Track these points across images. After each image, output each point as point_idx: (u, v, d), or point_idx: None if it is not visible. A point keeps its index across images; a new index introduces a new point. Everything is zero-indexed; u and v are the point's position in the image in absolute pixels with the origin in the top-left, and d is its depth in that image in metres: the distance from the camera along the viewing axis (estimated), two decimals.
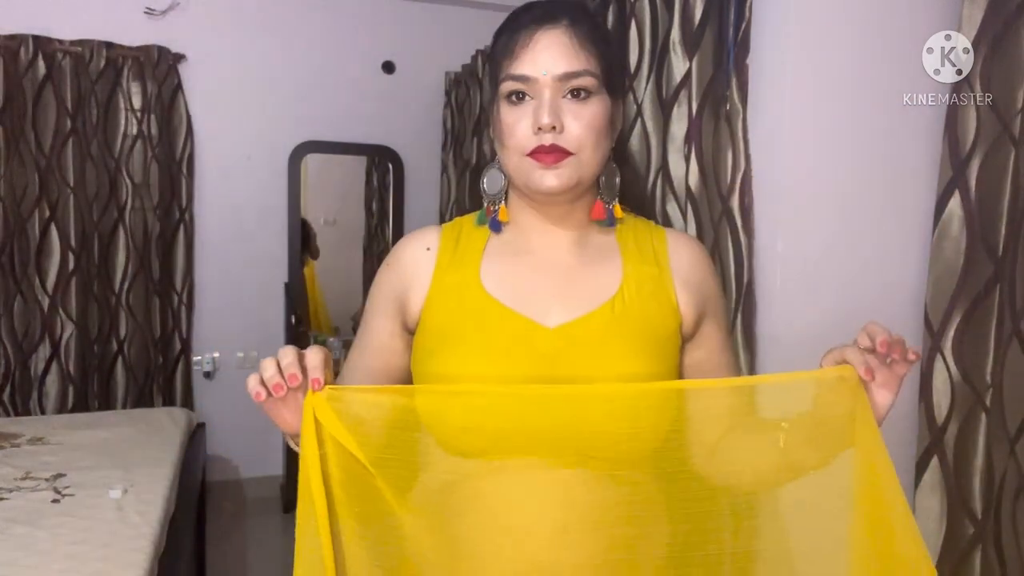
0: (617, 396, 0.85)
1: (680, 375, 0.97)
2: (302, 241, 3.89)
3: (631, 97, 1.97)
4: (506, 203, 0.97)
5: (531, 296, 0.92)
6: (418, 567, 0.87)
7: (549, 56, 0.86)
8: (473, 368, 0.89)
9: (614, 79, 0.92)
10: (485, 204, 0.99)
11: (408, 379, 0.97)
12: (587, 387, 0.85)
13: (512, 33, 0.89)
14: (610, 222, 0.96)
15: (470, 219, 1.01)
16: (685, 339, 0.96)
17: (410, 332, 0.98)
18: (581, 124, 0.87)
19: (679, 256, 0.97)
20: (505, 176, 0.95)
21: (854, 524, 0.87)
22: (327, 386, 0.80)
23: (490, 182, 0.97)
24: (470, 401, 0.84)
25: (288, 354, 0.80)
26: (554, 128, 0.86)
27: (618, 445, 0.84)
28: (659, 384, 0.87)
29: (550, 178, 0.88)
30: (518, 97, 0.88)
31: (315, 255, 4.01)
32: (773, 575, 0.90)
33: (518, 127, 0.88)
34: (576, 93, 0.88)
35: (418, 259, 0.97)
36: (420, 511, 0.87)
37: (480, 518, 0.86)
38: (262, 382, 0.79)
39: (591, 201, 0.96)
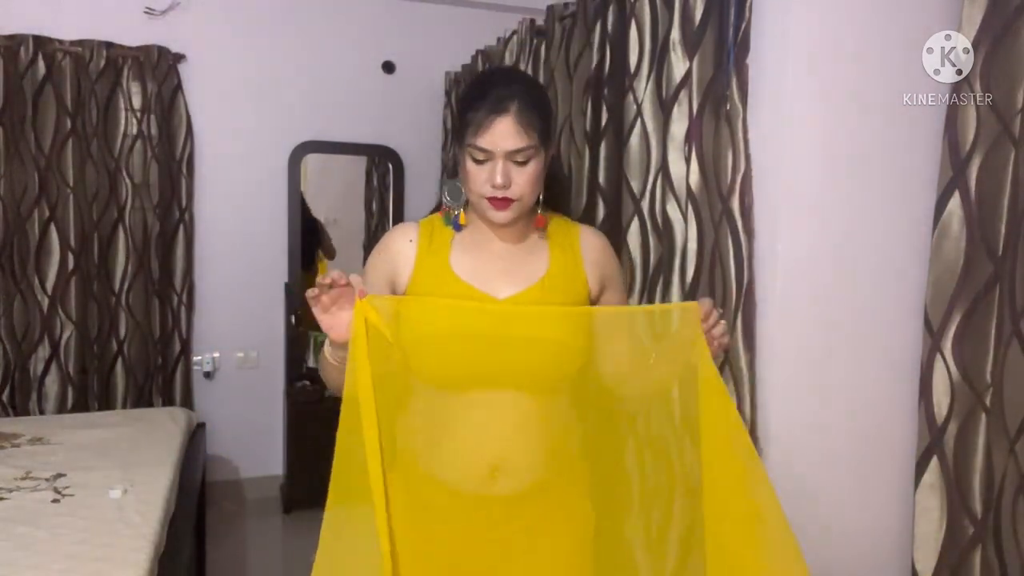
0: (546, 316, 1.25)
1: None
2: (316, 240, 3.90)
3: (631, 97, 1.97)
4: (464, 211, 1.33)
5: (486, 277, 1.29)
6: (418, 453, 1.28)
7: (501, 138, 1.22)
8: (436, 335, 1.22)
9: (549, 135, 1.28)
10: (446, 208, 1.33)
11: None
12: (524, 308, 1.26)
13: (476, 113, 1.23)
14: (544, 228, 1.35)
15: (438, 218, 1.36)
16: (592, 302, 1.35)
17: None
18: (523, 180, 1.24)
19: (587, 245, 1.36)
20: (463, 193, 1.30)
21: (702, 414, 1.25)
22: (368, 295, 1.16)
23: (452, 193, 1.32)
24: (446, 346, 1.22)
25: (333, 272, 1.14)
26: (504, 187, 1.23)
27: (545, 372, 1.25)
28: (574, 308, 1.28)
29: (500, 216, 1.26)
30: (478, 161, 1.24)
31: (331, 254, 4.01)
32: (657, 451, 1.35)
33: (479, 179, 1.24)
34: (519, 161, 1.24)
35: (403, 248, 1.33)
36: (418, 414, 1.28)
37: (455, 424, 1.26)
38: (317, 290, 1.13)
39: (527, 216, 1.32)
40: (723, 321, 1.26)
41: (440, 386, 1.27)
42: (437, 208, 1.39)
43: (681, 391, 1.30)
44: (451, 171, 1.42)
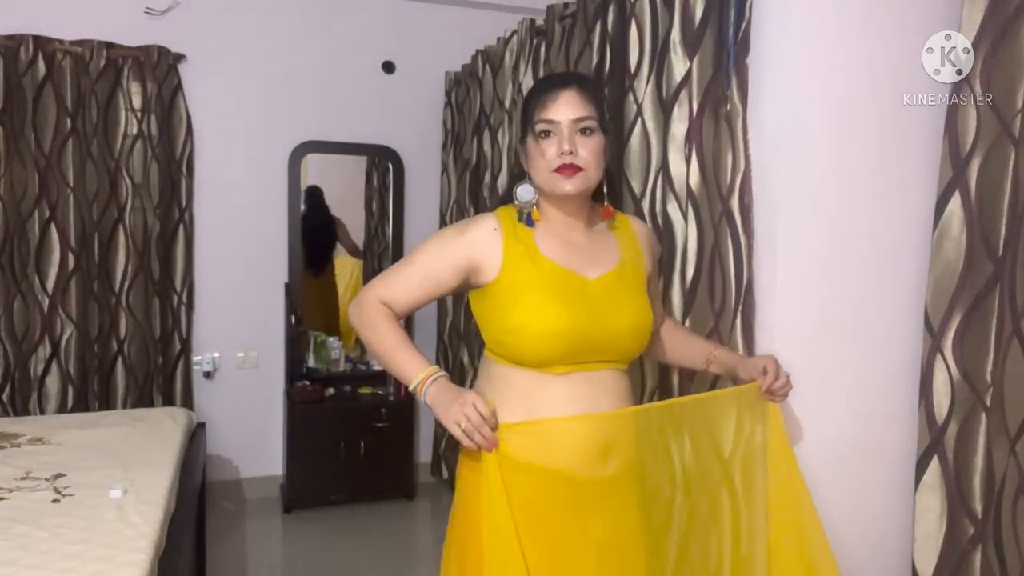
0: (631, 299, 1.42)
1: None
2: (331, 239, 3.92)
3: (631, 97, 1.97)
4: (537, 208, 1.43)
5: (573, 261, 1.40)
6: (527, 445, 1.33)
7: (567, 107, 1.34)
8: (551, 307, 1.34)
9: (605, 122, 1.41)
10: (519, 208, 1.42)
11: (424, 305, 1.46)
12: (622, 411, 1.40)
13: (540, 94, 1.38)
14: (612, 218, 1.49)
15: (513, 212, 1.44)
16: (647, 281, 1.50)
17: (466, 286, 1.43)
18: (587, 150, 1.36)
19: (641, 232, 1.53)
20: (535, 189, 1.41)
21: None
22: (498, 437, 1.27)
23: (523, 193, 1.42)
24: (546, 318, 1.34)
25: (476, 416, 1.25)
26: (571, 153, 1.33)
27: (631, 348, 1.43)
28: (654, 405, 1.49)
29: (569, 185, 1.35)
30: (546, 135, 1.36)
31: (355, 252, 4.01)
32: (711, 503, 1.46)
33: (548, 152, 1.35)
34: (584, 131, 1.35)
35: (489, 237, 1.40)
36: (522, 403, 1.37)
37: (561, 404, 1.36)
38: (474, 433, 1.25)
39: (590, 203, 1.46)
40: (784, 375, 1.43)
41: (542, 366, 1.35)
42: (500, 203, 1.49)
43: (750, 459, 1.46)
44: (516, 175, 1.50)
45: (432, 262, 1.42)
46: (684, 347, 1.60)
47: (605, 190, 1.45)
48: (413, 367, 1.36)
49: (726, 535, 1.45)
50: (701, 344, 1.59)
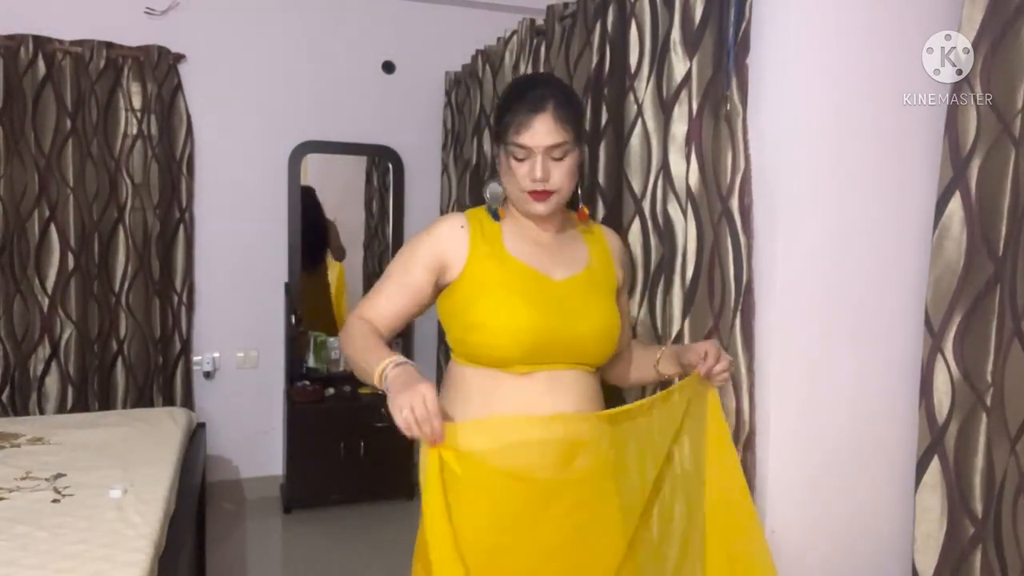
0: (596, 299, 1.43)
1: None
2: (325, 240, 3.92)
3: (632, 97, 1.97)
4: (505, 207, 1.44)
5: (540, 261, 1.40)
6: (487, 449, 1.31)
7: (542, 134, 1.32)
8: (514, 305, 1.34)
9: (581, 134, 1.39)
10: (489, 205, 1.44)
11: (411, 317, 1.45)
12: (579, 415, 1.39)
13: (516, 113, 1.33)
14: (586, 222, 1.51)
15: (483, 211, 1.45)
16: (617, 292, 1.51)
17: (437, 286, 1.41)
18: (560, 173, 1.35)
19: (613, 242, 1.55)
20: (503, 191, 1.41)
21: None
22: (444, 434, 1.21)
23: (492, 194, 1.42)
24: (509, 321, 1.34)
25: (423, 408, 1.17)
26: (544, 179, 1.33)
27: (598, 349, 1.41)
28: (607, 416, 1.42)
29: (540, 208, 1.36)
30: (519, 158, 1.34)
31: (340, 255, 4.01)
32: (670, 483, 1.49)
33: (520, 174, 1.34)
34: (557, 157, 1.34)
35: (455, 235, 1.40)
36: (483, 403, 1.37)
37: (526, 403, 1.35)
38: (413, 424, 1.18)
39: (563, 208, 1.45)
40: (725, 358, 1.39)
41: (503, 365, 1.34)
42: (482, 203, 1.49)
43: (691, 441, 1.46)
44: (491, 172, 1.54)
45: (405, 268, 1.42)
46: (639, 360, 1.58)
47: (580, 192, 1.46)
48: (378, 358, 1.28)
49: (676, 532, 1.46)
50: (652, 350, 1.56)
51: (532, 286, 1.36)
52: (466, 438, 1.27)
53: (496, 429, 1.31)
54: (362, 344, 1.35)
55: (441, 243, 1.40)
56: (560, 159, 1.33)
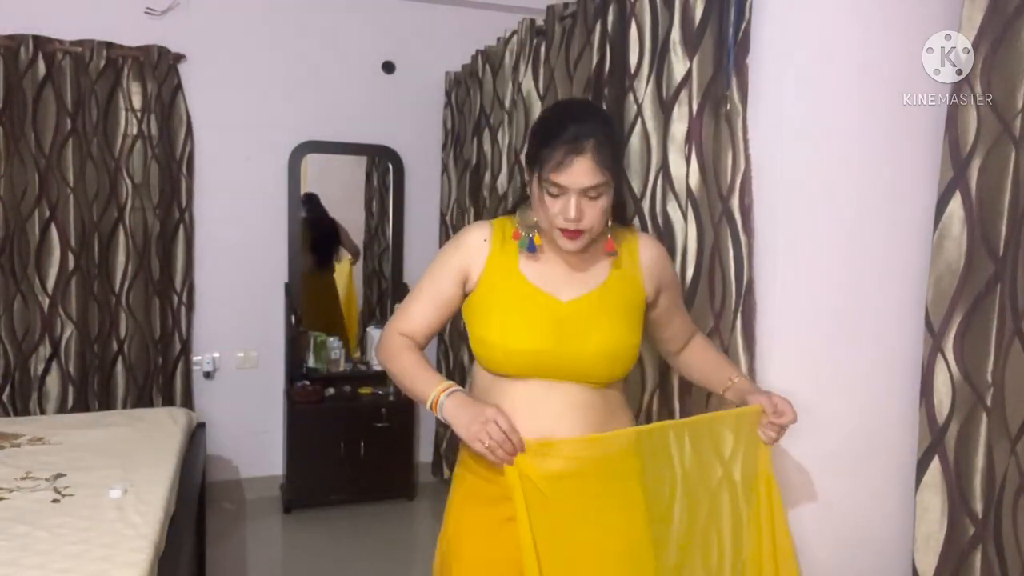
0: (602, 322, 1.39)
1: (653, 321, 1.51)
2: (334, 241, 3.93)
3: (631, 97, 1.97)
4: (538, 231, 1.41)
5: (550, 280, 1.40)
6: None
7: (578, 176, 1.29)
8: (511, 327, 1.37)
9: (618, 171, 1.36)
10: (519, 230, 1.42)
11: (445, 324, 1.49)
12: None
13: (554, 149, 1.29)
14: (613, 253, 1.43)
15: (511, 227, 1.44)
16: (650, 304, 1.47)
17: (464, 295, 1.45)
18: (594, 213, 1.32)
19: (646, 255, 1.46)
20: (537, 218, 1.38)
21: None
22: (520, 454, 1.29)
23: (523, 218, 1.43)
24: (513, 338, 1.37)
25: (498, 434, 1.27)
26: (577, 220, 1.30)
27: (598, 372, 1.39)
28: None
29: (571, 246, 1.35)
30: (552, 195, 1.32)
31: (356, 253, 4.02)
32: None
33: (552, 210, 1.32)
34: (593, 196, 1.31)
35: (479, 245, 1.43)
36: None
37: (509, 403, 1.36)
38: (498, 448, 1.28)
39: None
40: (790, 419, 1.40)
41: (503, 375, 1.39)
42: (509, 212, 1.49)
43: (742, 484, 1.44)
44: (520, 194, 1.49)
45: (437, 281, 1.45)
46: (706, 371, 1.56)
47: (609, 223, 1.40)
48: (427, 384, 1.38)
49: (726, 543, 1.45)
50: (723, 371, 1.53)
51: (536, 307, 1.37)
52: (531, 457, 1.32)
53: (555, 450, 1.35)
54: (407, 365, 1.42)
55: (465, 255, 1.43)
56: (595, 199, 1.31)
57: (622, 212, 1.50)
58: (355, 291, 4.06)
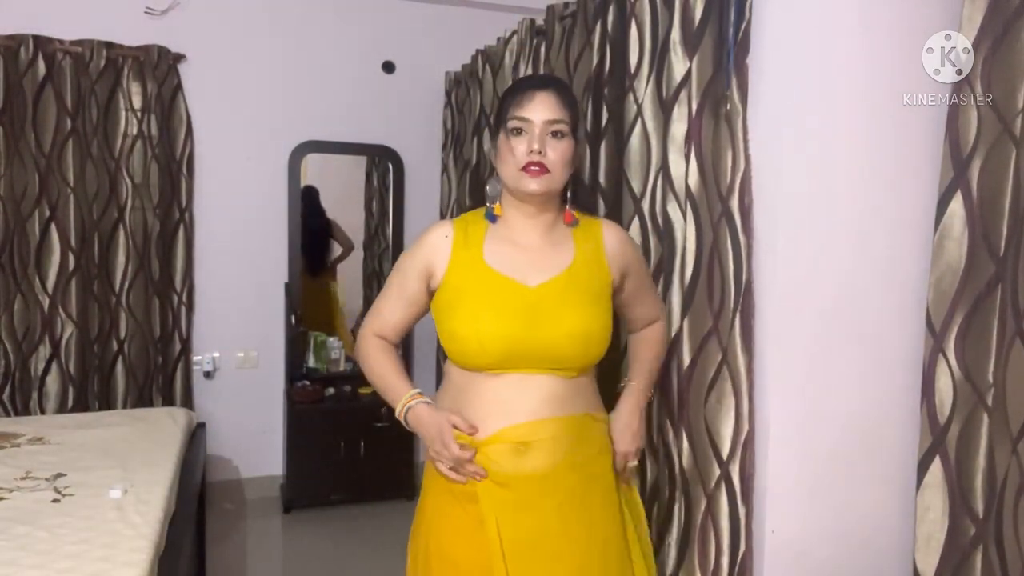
0: (571, 304, 1.42)
1: (620, 304, 1.55)
2: (328, 241, 3.92)
3: (631, 97, 1.97)
4: (500, 203, 1.46)
5: (517, 266, 1.41)
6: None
7: (541, 108, 1.36)
8: (482, 315, 1.37)
9: (577, 129, 1.43)
10: (488, 204, 1.47)
11: (415, 321, 1.54)
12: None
13: (518, 92, 1.40)
14: (574, 223, 1.49)
15: (475, 214, 1.49)
16: (616, 287, 1.51)
17: (430, 293, 1.47)
18: (556, 153, 1.38)
19: (609, 239, 1.51)
20: (500, 184, 1.45)
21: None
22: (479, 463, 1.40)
23: (491, 189, 1.47)
24: (483, 328, 1.38)
25: (447, 455, 1.39)
26: (540, 152, 1.35)
27: (574, 355, 1.40)
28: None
29: (534, 184, 1.37)
30: (518, 132, 1.37)
31: (348, 246, 4.02)
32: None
33: (517, 149, 1.37)
34: (555, 134, 1.37)
35: (439, 244, 1.45)
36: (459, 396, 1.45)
37: (488, 402, 1.40)
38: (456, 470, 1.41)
39: (554, 207, 1.47)
40: (630, 468, 1.53)
41: (477, 368, 1.40)
42: (480, 204, 1.53)
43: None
44: (490, 171, 1.52)
45: (402, 280, 1.50)
46: (631, 355, 1.64)
47: (569, 195, 1.47)
48: (395, 395, 1.47)
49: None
50: (633, 366, 1.61)
51: (503, 295, 1.39)
52: (493, 455, 1.39)
53: (509, 435, 1.39)
54: (378, 372, 1.51)
55: (428, 252, 1.46)
56: (558, 138, 1.37)
57: (585, 197, 1.57)
58: (346, 290, 4.04)
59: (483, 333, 1.36)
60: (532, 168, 1.36)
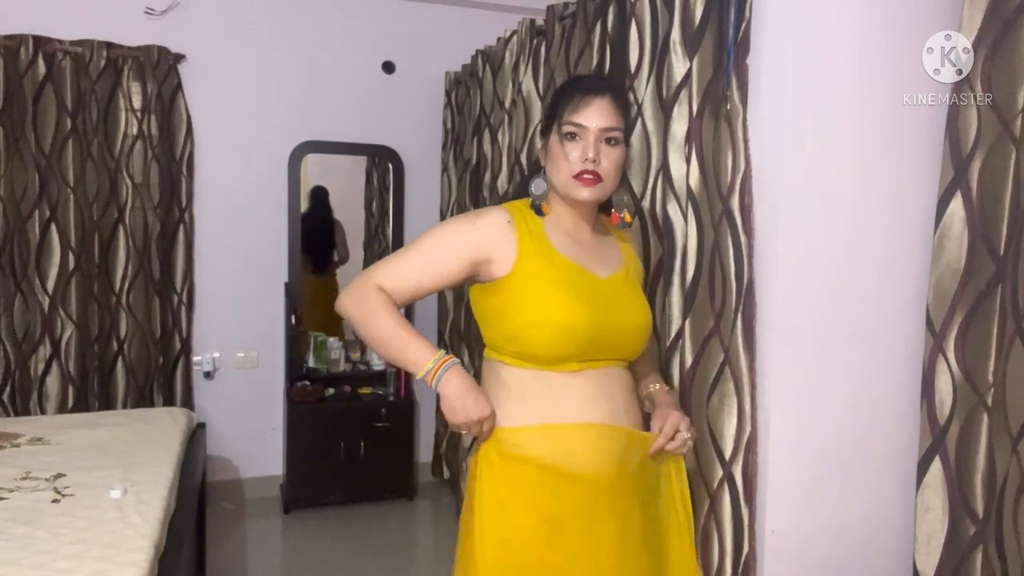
0: (636, 298, 1.48)
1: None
2: (333, 241, 3.93)
3: (631, 97, 1.97)
4: (547, 201, 1.43)
5: (583, 259, 1.41)
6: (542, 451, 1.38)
7: (597, 115, 1.34)
8: (565, 303, 1.33)
9: (629, 134, 1.44)
10: (533, 201, 1.43)
11: (425, 296, 1.44)
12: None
13: (575, 94, 1.36)
14: (623, 226, 1.51)
15: (523, 203, 1.44)
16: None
17: (472, 280, 1.41)
18: (610, 161, 1.36)
19: (634, 241, 1.60)
20: (548, 184, 1.42)
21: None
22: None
23: (536, 187, 1.43)
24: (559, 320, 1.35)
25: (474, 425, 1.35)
26: (595, 161, 1.34)
27: (637, 345, 1.44)
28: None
29: (586, 192, 1.36)
30: (572, 137, 1.35)
31: (344, 257, 4.02)
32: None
33: (572, 154, 1.35)
34: (609, 141, 1.36)
35: (502, 228, 1.37)
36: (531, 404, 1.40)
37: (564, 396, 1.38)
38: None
39: (597, 209, 1.47)
40: (683, 436, 1.44)
41: (556, 364, 1.36)
42: (514, 197, 1.50)
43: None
44: (533, 167, 1.50)
45: (440, 250, 1.37)
46: (638, 375, 1.57)
47: (615, 200, 1.49)
48: (420, 352, 1.34)
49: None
50: (647, 379, 1.57)
51: (582, 284, 1.37)
52: (524, 443, 1.36)
53: (551, 436, 1.36)
54: (392, 326, 1.34)
55: (488, 238, 1.36)
56: (612, 145, 1.35)
57: (607, 204, 1.52)
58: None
59: (564, 319, 1.31)
60: (586, 176, 1.34)
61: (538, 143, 1.47)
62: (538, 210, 1.41)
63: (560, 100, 1.39)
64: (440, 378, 1.32)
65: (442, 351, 1.36)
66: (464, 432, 1.36)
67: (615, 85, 1.41)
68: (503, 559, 1.33)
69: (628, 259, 1.50)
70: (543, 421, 1.35)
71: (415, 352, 1.34)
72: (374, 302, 1.34)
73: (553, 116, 1.40)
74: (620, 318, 1.39)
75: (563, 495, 1.35)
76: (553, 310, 1.32)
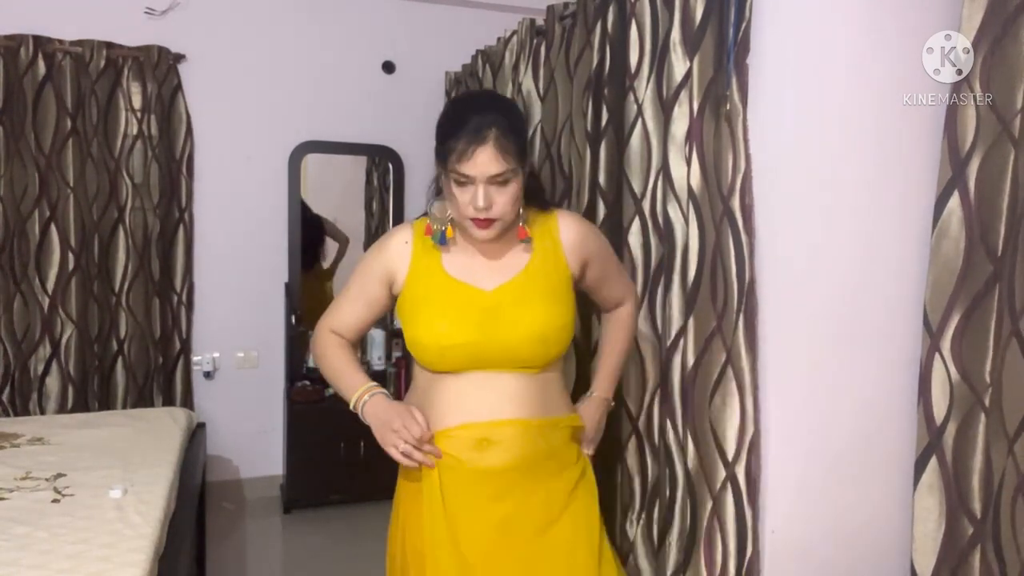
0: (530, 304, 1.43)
1: (586, 290, 1.57)
2: (319, 238, 3.91)
3: (632, 97, 1.97)
4: (451, 224, 1.43)
5: (474, 271, 1.43)
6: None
7: (482, 166, 1.31)
8: (440, 323, 1.39)
9: (523, 158, 1.37)
10: (431, 224, 1.44)
11: (374, 322, 1.57)
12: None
13: (457, 140, 1.31)
14: (527, 240, 1.45)
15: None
16: (578, 278, 1.50)
17: (393, 296, 1.50)
18: (503, 200, 1.34)
19: (566, 232, 1.48)
20: (448, 212, 1.41)
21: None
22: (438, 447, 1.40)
23: (439, 211, 1.44)
24: (444, 335, 1.40)
25: (408, 437, 1.36)
26: (486, 208, 1.32)
27: (533, 354, 1.40)
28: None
29: (483, 234, 1.37)
30: (461, 183, 1.34)
31: (344, 241, 4.01)
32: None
33: (462, 200, 1.34)
34: (500, 182, 1.33)
35: (400, 250, 1.47)
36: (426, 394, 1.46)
37: (450, 400, 1.41)
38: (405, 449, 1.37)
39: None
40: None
41: (440, 370, 1.42)
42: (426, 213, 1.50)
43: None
44: (436, 189, 1.51)
45: (363, 280, 1.51)
46: (601, 341, 1.65)
47: (521, 214, 1.43)
48: (350, 387, 1.45)
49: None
50: (600, 369, 1.62)
51: (461, 301, 1.40)
52: (451, 445, 1.39)
53: (472, 434, 1.39)
54: (335, 365, 1.51)
55: (389, 258, 1.47)
56: (503, 184, 1.33)
57: (541, 197, 1.51)
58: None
59: (441, 340, 1.38)
60: (479, 222, 1.35)
61: (437, 171, 1.44)
62: (442, 238, 1.43)
63: (446, 141, 1.34)
64: (363, 411, 1.42)
65: (373, 383, 1.44)
66: (405, 461, 1.38)
67: (499, 122, 1.31)
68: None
69: (538, 258, 1.44)
70: (442, 426, 1.41)
71: (346, 387, 1.47)
72: (323, 344, 1.54)
73: (441, 152, 1.37)
74: (502, 331, 1.38)
75: (477, 487, 1.40)
76: (425, 330, 1.40)
